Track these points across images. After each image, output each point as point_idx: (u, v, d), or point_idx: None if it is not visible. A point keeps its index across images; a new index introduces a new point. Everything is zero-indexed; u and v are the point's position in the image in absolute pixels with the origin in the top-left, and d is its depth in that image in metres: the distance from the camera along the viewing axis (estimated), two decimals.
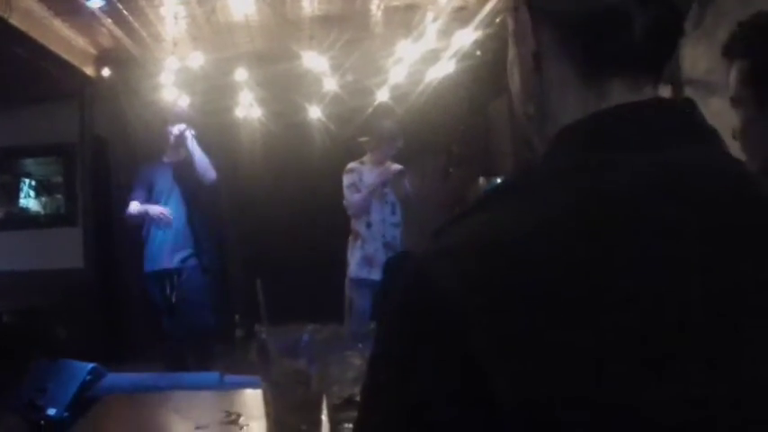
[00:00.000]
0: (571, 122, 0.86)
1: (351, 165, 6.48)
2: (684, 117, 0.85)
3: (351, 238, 6.44)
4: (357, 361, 1.68)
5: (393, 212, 6.42)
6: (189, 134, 5.98)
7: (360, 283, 6.27)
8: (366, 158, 6.49)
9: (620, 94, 0.85)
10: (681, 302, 0.70)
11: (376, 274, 6.13)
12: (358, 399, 1.62)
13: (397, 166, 6.40)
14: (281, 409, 1.50)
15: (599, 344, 0.67)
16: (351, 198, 6.33)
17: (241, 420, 1.80)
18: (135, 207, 6.01)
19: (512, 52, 0.98)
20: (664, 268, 0.71)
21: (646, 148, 0.80)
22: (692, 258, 0.72)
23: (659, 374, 0.67)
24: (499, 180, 6.56)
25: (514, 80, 0.99)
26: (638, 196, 0.75)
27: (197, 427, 1.78)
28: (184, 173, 6.02)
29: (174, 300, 6.00)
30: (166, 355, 6.12)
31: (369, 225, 6.35)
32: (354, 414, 1.62)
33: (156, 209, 5.96)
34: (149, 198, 6.06)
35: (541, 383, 0.67)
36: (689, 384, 0.67)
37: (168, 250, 6.02)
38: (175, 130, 5.97)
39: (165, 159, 6.20)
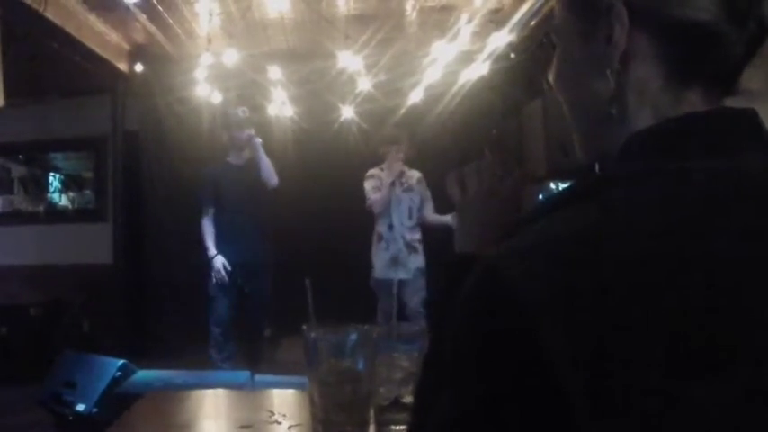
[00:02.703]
0: (645, 127, 0.86)
1: (371, 171, 6.63)
2: (752, 125, 0.85)
3: (374, 239, 6.58)
4: (405, 362, 1.66)
5: (410, 217, 6.56)
6: (257, 141, 6.17)
7: (385, 282, 6.37)
8: (384, 165, 6.58)
9: (694, 102, 0.86)
10: (764, 300, 0.68)
11: (401, 274, 6.26)
12: (405, 400, 1.61)
13: (416, 175, 6.60)
14: (329, 409, 1.47)
15: (675, 340, 0.66)
16: (372, 197, 6.49)
17: (285, 420, 1.76)
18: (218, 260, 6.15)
19: (570, 49, 0.97)
20: (745, 268, 0.70)
21: (719, 155, 0.79)
22: None
23: (732, 369, 0.65)
24: (554, 184, 6.60)
25: (573, 79, 0.98)
26: (715, 200, 0.74)
27: (241, 426, 1.74)
28: (249, 175, 6.18)
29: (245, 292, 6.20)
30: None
31: (390, 227, 6.50)
32: (401, 416, 1.61)
33: (219, 265, 6.10)
34: (218, 199, 6.19)
35: (616, 376, 0.66)
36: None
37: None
38: (245, 135, 6.14)
39: (231, 160, 6.33)
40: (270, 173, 6.20)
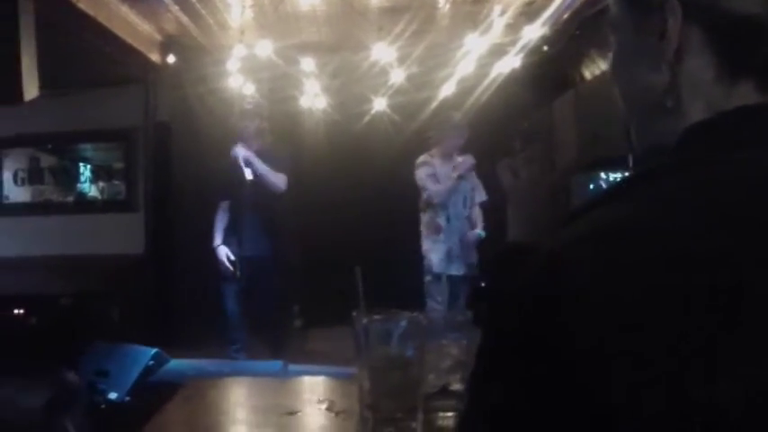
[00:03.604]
0: (699, 120, 0.87)
1: (422, 158, 6.49)
2: None
3: (427, 232, 6.45)
4: (453, 350, 1.66)
5: (465, 206, 6.44)
6: (251, 158, 6.09)
7: (442, 277, 6.29)
8: (434, 152, 6.49)
9: (745, 95, 0.86)
10: None
11: (456, 269, 6.20)
12: (452, 388, 1.60)
13: (469, 160, 6.42)
14: (378, 395, 1.48)
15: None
16: (434, 187, 6.34)
17: (332, 407, 1.75)
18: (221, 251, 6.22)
19: (624, 41, 0.99)
20: None
21: None
22: None
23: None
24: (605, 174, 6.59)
25: (628, 71, 0.99)
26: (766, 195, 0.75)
27: (289, 413, 1.73)
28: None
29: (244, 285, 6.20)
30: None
31: (449, 219, 6.37)
32: (449, 403, 1.60)
33: (222, 255, 6.19)
34: (227, 192, 6.24)
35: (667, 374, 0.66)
36: None
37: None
38: (240, 159, 6.07)
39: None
40: (274, 182, 6.13)
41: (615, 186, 0.87)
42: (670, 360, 0.65)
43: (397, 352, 1.48)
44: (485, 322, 0.84)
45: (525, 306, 0.76)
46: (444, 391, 1.64)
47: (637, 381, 0.65)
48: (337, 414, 1.70)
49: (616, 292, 0.69)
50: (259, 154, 6.13)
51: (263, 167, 6.06)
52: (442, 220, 6.36)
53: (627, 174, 0.87)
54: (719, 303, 0.66)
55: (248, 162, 6.05)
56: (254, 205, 6.09)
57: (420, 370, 1.51)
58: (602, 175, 6.30)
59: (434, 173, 6.38)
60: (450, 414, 1.61)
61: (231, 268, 6.10)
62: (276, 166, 6.14)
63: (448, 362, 1.66)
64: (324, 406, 1.77)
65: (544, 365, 0.71)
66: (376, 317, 1.52)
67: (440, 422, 1.61)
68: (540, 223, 1.64)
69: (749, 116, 0.84)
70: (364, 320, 1.52)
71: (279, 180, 6.13)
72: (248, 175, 6.03)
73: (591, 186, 6.93)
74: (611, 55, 1.02)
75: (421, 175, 6.40)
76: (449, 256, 6.28)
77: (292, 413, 1.74)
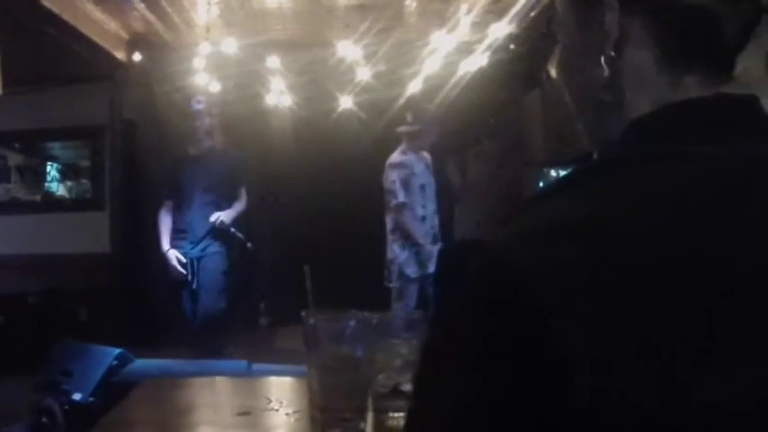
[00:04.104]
0: (644, 113, 0.86)
1: (397, 158, 6.40)
2: (753, 112, 0.85)
3: (398, 233, 6.33)
4: (404, 350, 1.65)
5: (434, 200, 6.39)
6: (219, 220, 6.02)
7: (412, 279, 6.21)
8: (405, 148, 6.43)
9: (692, 88, 0.86)
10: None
11: (429, 270, 6.07)
12: (403, 388, 1.60)
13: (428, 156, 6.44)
14: (328, 395, 1.48)
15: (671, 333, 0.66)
16: (406, 213, 6.25)
17: (283, 407, 1.75)
18: (171, 254, 6.10)
19: (569, 39, 0.98)
20: (746, 260, 0.70)
21: (719, 142, 0.79)
22: None
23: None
24: (554, 171, 6.59)
25: (573, 68, 0.99)
26: (714, 188, 0.74)
27: (239, 414, 1.73)
28: (203, 167, 6.05)
29: (194, 285, 6.08)
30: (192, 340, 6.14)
31: (424, 218, 6.30)
32: (399, 403, 1.60)
33: (172, 259, 6.07)
34: (177, 190, 6.11)
35: (614, 371, 0.65)
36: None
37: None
38: (198, 125, 6.03)
39: (189, 151, 6.20)
40: (242, 213, 6.15)
41: (556, 183, 0.88)
42: (651, 362, 0.65)
43: (347, 352, 1.49)
44: (430, 321, 0.82)
45: (468, 302, 0.76)
46: (395, 391, 1.64)
47: (601, 386, 0.65)
48: (288, 414, 1.70)
49: (556, 286, 0.69)
50: (210, 153, 6.07)
51: (234, 214, 6.08)
52: (413, 223, 6.25)
53: (569, 171, 0.87)
54: (701, 299, 0.67)
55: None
56: (204, 201, 6.03)
57: (370, 370, 1.52)
58: (552, 172, 6.33)
59: (408, 176, 6.29)
60: (400, 414, 1.61)
61: (183, 272, 6.02)
62: (229, 167, 6.11)
63: (398, 361, 1.66)
64: (277, 407, 1.77)
65: (490, 369, 0.70)
66: (325, 316, 1.52)
67: (390, 422, 1.61)
68: (487, 220, 1.65)
69: (695, 109, 0.84)
70: (311, 320, 1.52)
71: (243, 202, 6.15)
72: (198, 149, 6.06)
73: (539, 184, 6.93)
74: (556, 53, 1.02)
75: (393, 178, 6.29)
76: (422, 258, 6.17)
77: (243, 413, 1.74)
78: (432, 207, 6.34)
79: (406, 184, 6.24)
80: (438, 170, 6.50)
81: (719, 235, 0.70)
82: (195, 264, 6.04)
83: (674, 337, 0.65)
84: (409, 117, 6.40)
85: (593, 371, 0.65)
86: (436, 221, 6.37)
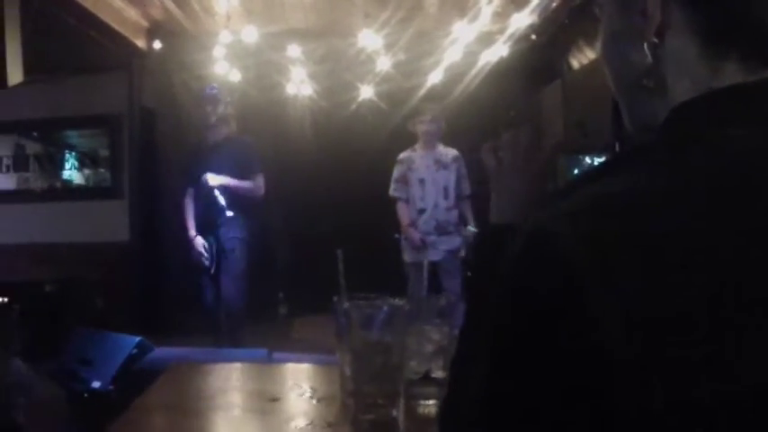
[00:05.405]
0: (687, 99, 0.85)
1: (402, 155, 6.54)
2: None
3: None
4: (435, 336, 1.65)
5: (446, 197, 6.46)
6: (225, 182, 5.99)
7: (415, 266, 6.35)
8: (417, 145, 6.51)
9: (732, 74, 0.83)
10: None
11: (430, 256, 6.11)
12: (434, 375, 1.59)
13: (451, 152, 6.45)
14: (360, 380, 1.48)
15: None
16: (400, 208, 6.47)
17: (314, 393, 1.74)
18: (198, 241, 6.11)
19: (610, 24, 0.97)
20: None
21: (762, 127, 0.77)
22: None
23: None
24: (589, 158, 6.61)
25: (614, 52, 0.97)
26: (755, 172, 0.73)
27: (270, 399, 1.71)
28: (220, 154, 6.04)
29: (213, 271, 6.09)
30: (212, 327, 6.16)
31: (422, 211, 6.43)
32: (431, 390, 1.59)
33: (199, 246, 6.08)
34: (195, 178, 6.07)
35: (663, 346, 0.65)
36: None
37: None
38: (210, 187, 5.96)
39: (206, 138, 6.17)
40: (250, 191, 6.08)
41: (602, 164, 0.87)
42: (674, 354, 0.64)
43: (379, 337, 1.48)
44: (468, 305, 0.81)
45: (512, 282, 0.74)
46: (426, 378, 1.62)
47: (640, 376, 0.64)
48: (319, 400, 1.68)
49: (604, 264, 0.68)
50: (226, 141, 6.06)
51: (235, 183, 6.00)
52: (413, 214, 6.45)
53: (612, 154, 0.85)
54: (724, 291, 0.65)
55: (223, 189, 5.98)
56: (221, 188, 5.98)
57: (401, 355, 1.51)
58: (588, 160, 6.31)
59: (405, 172, 6.48)
60: (431, 402, 1.60)
61: (208, 259, 6.02)
62: (242, 153, 6.08)
63: (430, 347, 1.65)
64: (306, 392, 1.75)
65: (529, 350, 0.69)
66: (357, 302, 1.53)
67: (421, 409, 1.60)
68: (522, 204, 1.64)
69: (737, 94, 0.82)
70: (345, 305, 1.53)
71: (255, 187, 6.08)
72: (222, 201, 5.96)
73: (575, 171, 6.93)
74: (599, 36, 1.00)
75: (394, 174, 6.53)
76: (422, 246, 6.34)
77: (275, 399, 1.72)
78: (432, 200, 6.44)
79: (403, 179, 6.47)
80: (470, 160, 6.56)
81: (744, 228, 0.69)
82: (216, 251, 6.05)
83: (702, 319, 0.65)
84: (422, 114, 6.42)
85: (638, 345, 0.65)
86: (440, 214, 6.44)
